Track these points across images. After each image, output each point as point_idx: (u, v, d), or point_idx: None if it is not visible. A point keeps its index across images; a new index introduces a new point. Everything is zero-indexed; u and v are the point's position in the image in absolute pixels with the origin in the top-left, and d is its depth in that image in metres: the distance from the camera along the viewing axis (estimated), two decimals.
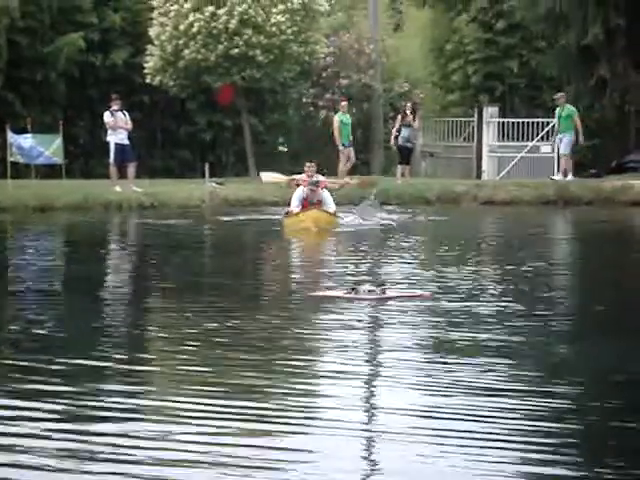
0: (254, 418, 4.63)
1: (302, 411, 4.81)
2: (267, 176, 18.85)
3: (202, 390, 5.17)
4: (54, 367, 5.81)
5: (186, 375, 5.62)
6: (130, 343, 6.64)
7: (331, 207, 15.76)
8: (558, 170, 25.04)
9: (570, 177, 24.01)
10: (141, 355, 6.27)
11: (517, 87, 33.61)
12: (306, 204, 15.53)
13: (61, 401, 4.96)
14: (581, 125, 24.57)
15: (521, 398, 5.11)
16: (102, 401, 4.96)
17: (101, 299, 8.67)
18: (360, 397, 5.11)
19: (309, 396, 5.18)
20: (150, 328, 7.41)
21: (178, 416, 4.65)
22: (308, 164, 16.41)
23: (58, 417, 4.70)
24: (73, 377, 5.51)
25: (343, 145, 24.42)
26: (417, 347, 6.49)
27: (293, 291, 9.55)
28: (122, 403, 4.89)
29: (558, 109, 24.81)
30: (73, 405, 4.89)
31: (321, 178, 16.36)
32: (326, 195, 15.86)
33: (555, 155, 25.39)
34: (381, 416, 4.76)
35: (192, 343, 6.45)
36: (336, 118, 24.49)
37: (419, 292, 8.71)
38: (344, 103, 25.22)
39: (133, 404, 4.91)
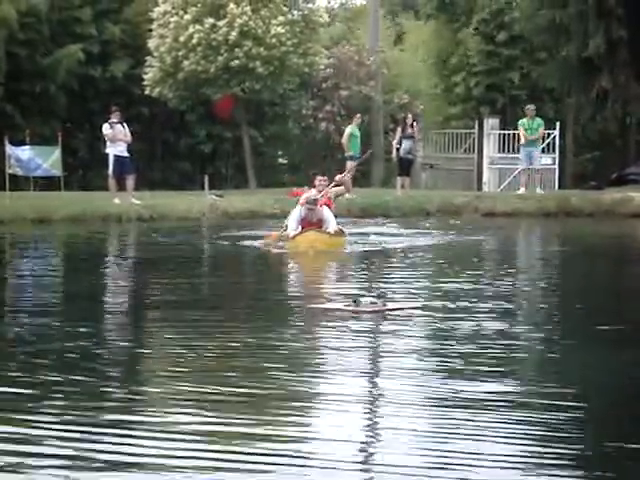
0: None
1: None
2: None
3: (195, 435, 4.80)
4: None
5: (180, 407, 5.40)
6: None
7: (332, 227, 13.88)
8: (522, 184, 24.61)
9: (531, 190, 24.06)
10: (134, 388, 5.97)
11: (518, 99, 33.64)
12: (306, 225, 13.75)
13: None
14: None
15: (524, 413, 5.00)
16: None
17: (94, 318, 8.51)
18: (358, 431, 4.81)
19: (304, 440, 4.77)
20: (144, 350, 7.25)
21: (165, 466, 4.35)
22: (320, 178, 14.77)
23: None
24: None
25: (351, 157, 24.14)
26: (417, 362, 6.37)
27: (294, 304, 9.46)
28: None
29: (528, 121, 24.17)
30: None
31: (337, 189, 14.97)
32: (327, 213, 13.96)
33: (528, 167, 24.77)
34: (380, 452, 4.52)
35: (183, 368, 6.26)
36: (347, 129, 24.38)
37: (417, 304, 8.64)
38: (358, 115, 25.30)
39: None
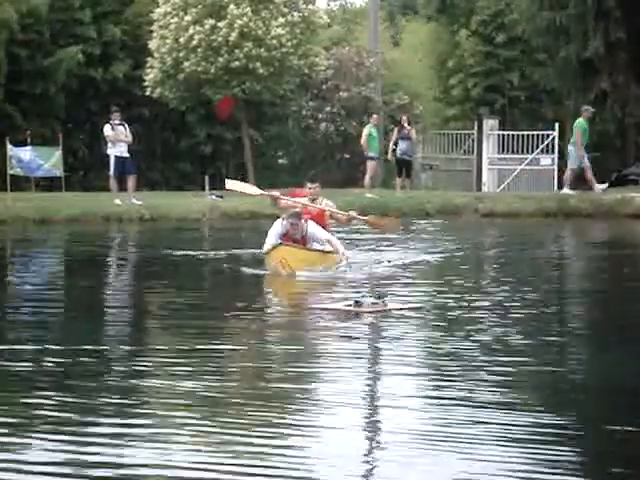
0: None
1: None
2: (233, 184, 13.67)
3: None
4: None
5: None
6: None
7: (318, 244, 11.71)
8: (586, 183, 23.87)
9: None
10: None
11: (517, 100, 33.74)
12: (288, 241, 11.49)
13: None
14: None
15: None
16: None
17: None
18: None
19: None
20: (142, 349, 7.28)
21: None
22: (310, 184, 12.50)
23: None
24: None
25: (371, 158, 24.47)
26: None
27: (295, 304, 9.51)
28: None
29: (585, 120, 23.47)
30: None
31: (330, 203, 12.61)
32: (312, 229, 11.71)
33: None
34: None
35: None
36: (365, 130, 24.61)
37: (418, 305, 8.69)
38: (375, 116, 25.73)
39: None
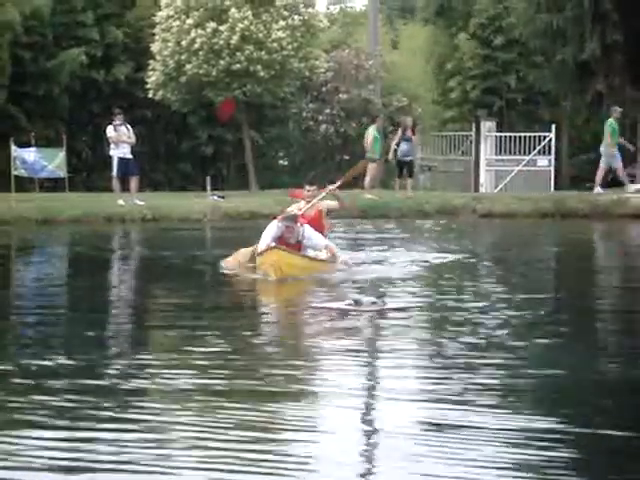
0: None
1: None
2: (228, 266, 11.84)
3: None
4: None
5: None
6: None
7: (315, 250, 11.34)
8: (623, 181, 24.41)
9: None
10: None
11: (515, 102, 34.00)
12: (282, 244, 10.94)
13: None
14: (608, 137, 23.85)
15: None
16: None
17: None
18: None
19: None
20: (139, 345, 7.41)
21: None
22: (308, 187, 12.19)
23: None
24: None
25: (373, 160, 24.54)
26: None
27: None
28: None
29: (616, 122, 23.88)
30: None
31: (330, 204, 12.26)
32: (309, 234, 11.26)
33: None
34: None
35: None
36: (370, 132, 24.68)
37: (417, 304, 8.82)
38: (379, 117, 26.00)
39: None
